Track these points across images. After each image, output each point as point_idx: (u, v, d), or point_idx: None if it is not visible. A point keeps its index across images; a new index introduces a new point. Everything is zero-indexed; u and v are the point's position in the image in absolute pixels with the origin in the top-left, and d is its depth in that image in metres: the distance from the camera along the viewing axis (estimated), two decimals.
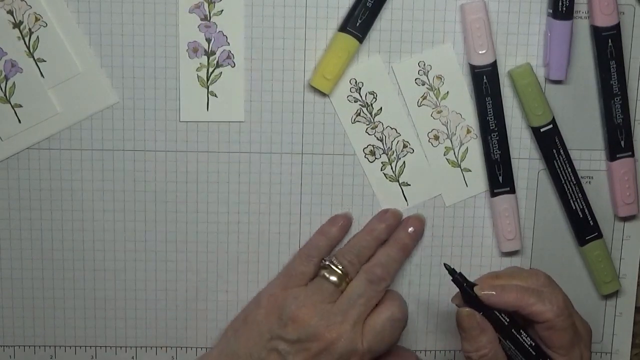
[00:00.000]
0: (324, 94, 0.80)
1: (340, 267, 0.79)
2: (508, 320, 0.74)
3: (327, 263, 0.79)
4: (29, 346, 0.83)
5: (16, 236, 0.81)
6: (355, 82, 0.80)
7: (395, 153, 0.81)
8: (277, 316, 0.78)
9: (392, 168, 0.81)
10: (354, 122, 0.80)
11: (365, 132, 0.81)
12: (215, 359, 0.80)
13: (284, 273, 0.81)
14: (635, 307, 0.85)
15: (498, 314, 0.74)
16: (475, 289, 0.74)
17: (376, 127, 0.81)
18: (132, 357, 0.84)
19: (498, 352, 0.74)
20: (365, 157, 0.81)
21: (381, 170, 0.81)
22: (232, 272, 0.82)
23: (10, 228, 0.81)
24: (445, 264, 0.74)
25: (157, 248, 0.82)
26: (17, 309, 0.83)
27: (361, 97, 0.80)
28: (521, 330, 0.74)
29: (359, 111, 0.80)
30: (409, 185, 0.82)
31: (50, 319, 0.83)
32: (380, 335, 0.78)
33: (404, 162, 0.81)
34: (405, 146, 0.81)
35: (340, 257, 0.80)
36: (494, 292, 0.74)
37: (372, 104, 0.80)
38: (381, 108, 0.80)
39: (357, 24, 0.78)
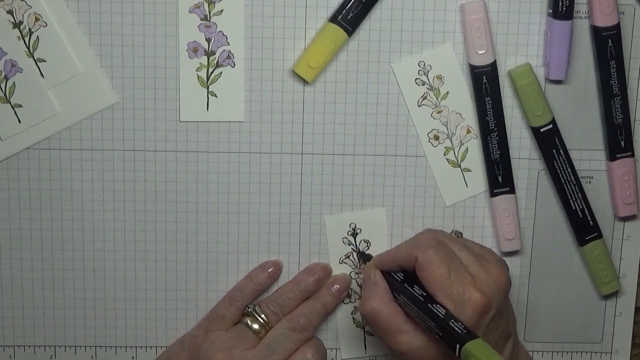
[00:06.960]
0: (324, 92, 0.80)
1: (263, 316, 0.79)
2: (402, 277, 0.76)
3: (250, 310, 0.80)
4: (29, 346, 0.83)
5: (16, 236, 0.81)
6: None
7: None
8: (196, 359, 0.78)
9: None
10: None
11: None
12: None
13: (208, 316, 0.82)
14: (635, 307, 0.85)
15: (394, 275, 0.76)
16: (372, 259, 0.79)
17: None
18: (132, 357, 0.84)
19: (385, 307, 0.75)
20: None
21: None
22: (232, 272, 0.82)
23: (10, 228, 0.81)
24: (359, 252, 0.81)
25: (157, 248, 0.82)
26: (17, 309, 0.83)
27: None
28: (414, 285, 0.75)
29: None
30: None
31: (50, 319, 0.83)
32: None
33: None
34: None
35: (264, 306, 0.80)
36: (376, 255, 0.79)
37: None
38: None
39: (349, 17, 0.78)
